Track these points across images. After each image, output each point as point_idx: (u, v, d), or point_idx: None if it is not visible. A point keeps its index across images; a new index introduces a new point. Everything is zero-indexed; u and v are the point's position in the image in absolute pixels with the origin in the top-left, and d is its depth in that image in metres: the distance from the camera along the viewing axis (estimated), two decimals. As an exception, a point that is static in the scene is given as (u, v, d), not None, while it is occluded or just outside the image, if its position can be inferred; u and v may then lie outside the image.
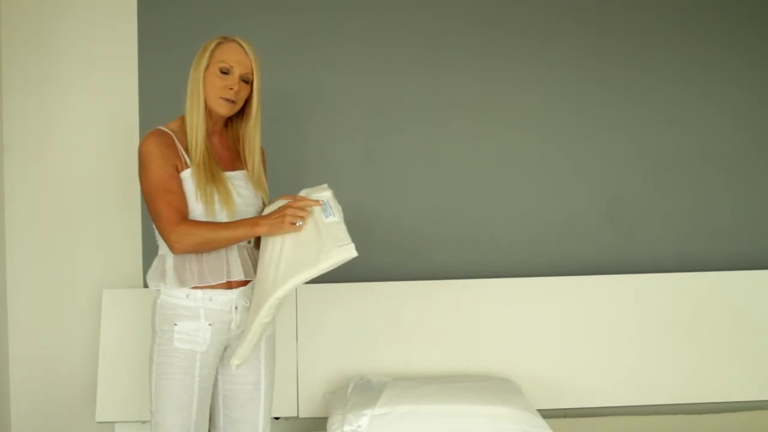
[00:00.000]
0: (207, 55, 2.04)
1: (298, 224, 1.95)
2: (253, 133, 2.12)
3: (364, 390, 2.46)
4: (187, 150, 2.04)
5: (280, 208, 1.99)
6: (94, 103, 2.80)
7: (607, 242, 2.90)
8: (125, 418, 2.62)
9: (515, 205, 2.89)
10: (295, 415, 2.68)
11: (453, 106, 2.87)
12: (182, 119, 2.09)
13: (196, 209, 2.02)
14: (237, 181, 2.09)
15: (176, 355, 2.00)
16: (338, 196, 2.07)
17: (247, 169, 2.14)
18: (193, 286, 2.01)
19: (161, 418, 1.99)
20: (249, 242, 2.14)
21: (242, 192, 2.08)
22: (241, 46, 2.06)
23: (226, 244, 2.01)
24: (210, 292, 2.03)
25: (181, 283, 2.02)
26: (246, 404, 2.13)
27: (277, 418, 2.75)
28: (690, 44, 2.92)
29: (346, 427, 2.24)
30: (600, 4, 2.90)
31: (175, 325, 2.01)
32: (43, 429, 2.81)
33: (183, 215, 1.99)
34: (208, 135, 2.09)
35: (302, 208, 1.97)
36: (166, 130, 2.06)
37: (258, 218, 2.00)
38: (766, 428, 2.57)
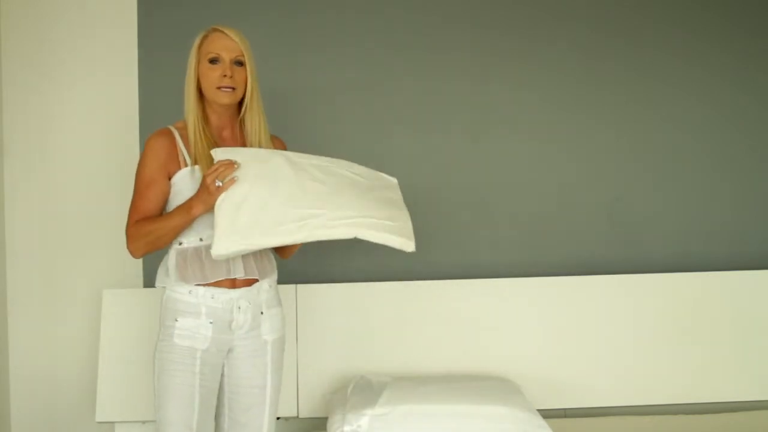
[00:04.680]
0: (195, 51, 2.05)
1: (217, 184, 1.91)
2: (250, 115, 2.09)
3: (364, 390, 2.46)
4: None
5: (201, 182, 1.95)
6: (94, 103, 2.80)
7: (607, 242, 2.90)
8: (125, 418, 2.62)
9: (515, 205, 2.89)
10: (295, 415, 2.68)
11: (452, 105, 2.87)
12: None
13: None
14: None
15: (176, 351, 1.99)
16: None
17: None
18: (196, 283, 2.01)
19: (163, 414, 1.98)
20: None
21: None
22: (225, 33, 2.04)
23: (170, 233, 1.98)
24: (212, 290, 2.01)
25: (184, 280, 2.01)
26: (251, 408, 2.10)
27: (277, 418, 2.75)
28: (690, 44, 2.92)
29: (346, 427, 2.24)
30: (600, 4, 2.90)
31: (176, 320, 2.00)
32: (43, 429, 2.81)
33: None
34: (219, 130, 2.09)
35: (216, 170, 1.91)
36: (171, 129, 2.07)
37: (191, 200, 1.95)
38: (766, 428, 2.57)
